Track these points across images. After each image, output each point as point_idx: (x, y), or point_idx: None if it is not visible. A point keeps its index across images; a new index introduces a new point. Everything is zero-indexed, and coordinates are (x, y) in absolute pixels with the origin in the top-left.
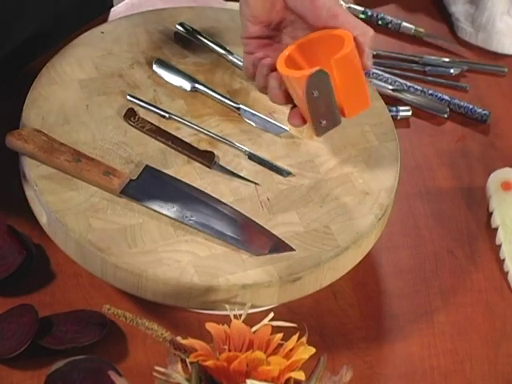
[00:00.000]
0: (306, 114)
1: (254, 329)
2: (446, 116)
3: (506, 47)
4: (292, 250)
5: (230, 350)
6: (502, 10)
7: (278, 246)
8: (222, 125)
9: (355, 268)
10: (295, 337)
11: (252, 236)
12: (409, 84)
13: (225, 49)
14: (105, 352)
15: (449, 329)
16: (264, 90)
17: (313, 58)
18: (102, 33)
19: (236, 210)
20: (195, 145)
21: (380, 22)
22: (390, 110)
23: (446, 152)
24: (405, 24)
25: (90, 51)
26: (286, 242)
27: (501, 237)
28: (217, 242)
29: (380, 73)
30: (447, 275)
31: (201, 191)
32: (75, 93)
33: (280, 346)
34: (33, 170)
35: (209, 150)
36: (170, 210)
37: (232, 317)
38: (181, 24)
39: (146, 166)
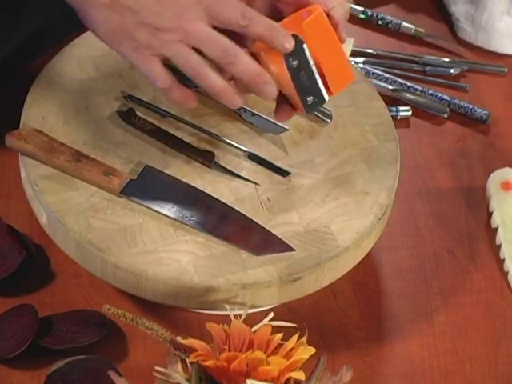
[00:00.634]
0: (290, 93)
1: (254, 329)
2: (446, 116)
3: (505, 47)
4: (292, 250)
5: (230, 350)
6: (501, 9)
7: (278, 245)
8: (221, 125)
9: (355, 268)
10: (295, 337)
11: (252, 236)
12: (409, 84)
13: None
14: (105, 352)
15: (449, 329)
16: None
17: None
18: None
19: (236, 210)
20: (195, 145)
21: (380, 22)
22: (390, 110)
23: (446, 152)
24: (405, 24)
25: (90, 51)
26: (286, 241)
27: (501, 237)
28: (217, 242)
29: (380, 73)
30: (447, 275)
31: (201, 191)
32: (75, 93)
33: (280, 346)
34: (33, 170)
35: (209, 149)
36: (170, 210)
37: (232, 317)
38: None
39: (146, 166)
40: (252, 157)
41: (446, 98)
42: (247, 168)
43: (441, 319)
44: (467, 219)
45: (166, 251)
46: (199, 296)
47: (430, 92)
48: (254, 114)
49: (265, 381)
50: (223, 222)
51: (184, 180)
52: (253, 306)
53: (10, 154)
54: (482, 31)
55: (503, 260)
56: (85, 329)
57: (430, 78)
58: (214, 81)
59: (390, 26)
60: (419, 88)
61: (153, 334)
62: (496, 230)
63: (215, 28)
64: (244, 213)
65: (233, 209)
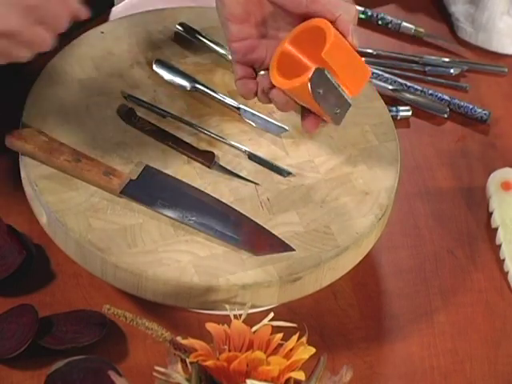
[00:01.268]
0: (318, 111)
1: (254, 329)
2: (446, 116)
3: (506, 47)
4: (292, 250)
5: (230, 350)
6: (502, 9)
7: (278, 245)
8: (222, 125)
9: (355, 268)
10: (295, 337)
11: (252, 236)
12: (409, 84)
13: (225, 49)
14: (105, 352)
15: (449, 329)
16: (270, 103)
17: (305, 47)
18: (102, 33)
19: (236, 210)
20: (195, 145)
21: (380, 22)
22: (390, 110)
23: (446, 152)
24: (405, 24)
25: (90, 51)
26: (286, 241)
27: (501, 237)
28: (217, 242)
29: (380, 73)
30: (447, 275)
31: (201, 191)
32: (75, 93)
33: (280, 346)
34: (33, 170)
35: (209, 149)
36: (169, 210)
37: (232, 317)
38: (181, 24)
39: (146, 166)
40: (252, 157)
41: (446, 98)
42: (247, 168)
43: (441, 319)
44: (467, 219)
45: (166, 251)
46: (199, 296)
47: (430, 92)
48: (254, 114)
49: (265, 381)
50: (223, 222)
51: (184, 180)
52: (253, 306)
53: (10, 154)
54: (482, 31)
55: (503, 260)
56: (85, 329)
57: (430, 78)
58: None
59: (390, 26)
60: (419, 88)
61: (153, 334)
62: (496, 230)
63: None
64: (244, 213)
65: (233, 209)
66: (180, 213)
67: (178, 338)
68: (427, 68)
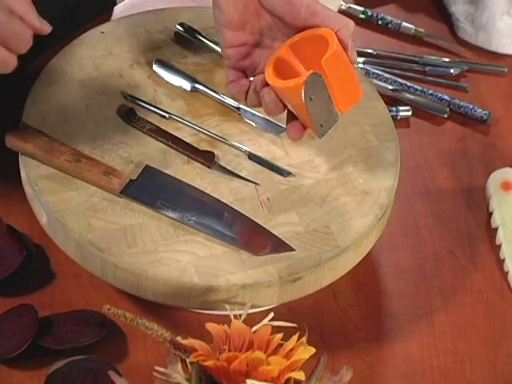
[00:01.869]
0: (305, 119)
1: (254, 329)
2: (446, 116)
3: (506, 47)
4: (292, 250)
5: (230, 350)
6: (502, 9)
7: (278, 245)
8: (222, 125)
9: (355, 268)
10: (295, 337)
11: (252, 236)
12: (409, 84)
13: None
14: (105, 352)
15: (449, 329)
16: (258, 105)
17: (303, 56)
18: (102, 33)
19: (236, 210)
20: (195, 145)
21: (380, 22)
22: (390, 110)
23: (446, 152)
24: (405, 24)
25: (90, 51)
26: (286, 242)
27: (501, 237)
28: (217, 242)
29: (380, 73)
30: (447, 275)
31: (201, 191)
32: (75, 93)
33: (280, 346)
34: (33, 170)
35: (209, 149)
36: (170, 210)
37: (232, 317)
38: (181, 24)
39: (146, 166)
40: (252, 157)
41: (446, 98)
42: (247, 168)
43: (441, 319)
44: (467, 219)
45: (166, 251)
46: (199, 296)
47: (430, 92)
48: (254, 114)
49: (265, 381)
50: (223, 222)
51: (184, 180)
52: (253, 306)
53: (10, 154)
54: (482, 31)
55: (503, 260)
56: (85, 329)
57: (430, 78)
58: None
59: (390, 26)
60: (419, 88)
61: (153, 334)
62: (496, 230)
63: None
64: (244, 213)
65: (233, 209)
66: (180, 213)
67: (178, 338)
68: (427, 68)
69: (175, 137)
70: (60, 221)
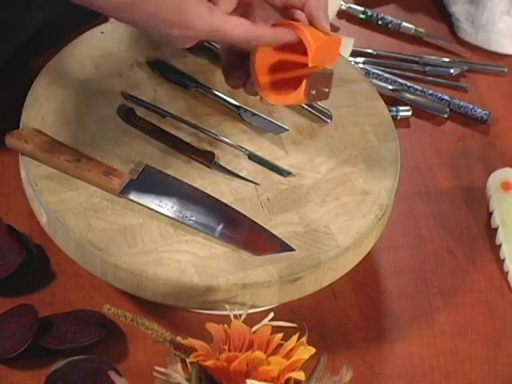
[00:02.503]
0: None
1: (254, 329)
2: (446, 116)
3: (505, 47)
4: (292, 249)
5: (230, 350)
6: (501, 9)
7: (278, 246)
8: (222, 125)
9: (355, 268)
10: (295, 337)
11: (252, 236)
12: (409, 84)
13: None
14: (105, 352)
15: (449, 329)
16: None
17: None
18: (102, 33)
19: (236, 210)
20: (195, 145)
21: (380, 22)
22: (390, 110)
23: (446, 152)
24: (405, 24)
25: (90, 51)
26: (286, 241)
27: (501, 237)
28: (217, 242)
29: (380, 73)
30: (447, 275)
31: (201, 191)
32: (75, 93)
33: (280, 346)
34: (33, 170)
35: (209, 149)
36: (170, 210)
37: (232, 317)
38: None
39: (146, 166)
40: (252, 157)
41: (446, 98)
42: (247, 168)
43: (441, 319)
44: (467, 219)
45: (166, 251)
46: (199, 296)
47: (430, 92)
48: (254, 114)
49: (265, 381)
50: (223, 222)
51: (184, 180)
52: (253, 306)
53: (10, 154)
54: (482, 31)
55: (503, 260)
56: (85, 329)
57: (430, 78)
58: None
59: (390, 26)
60: (419, 88)
61: (153, 334)
62: (496, 230)
63: None
64: (244, 213)
65: (233, 209)
66: (180, 213)
67: (178, 338)
68: (427, 68)
69: (175, 137)
70: (60, 221)
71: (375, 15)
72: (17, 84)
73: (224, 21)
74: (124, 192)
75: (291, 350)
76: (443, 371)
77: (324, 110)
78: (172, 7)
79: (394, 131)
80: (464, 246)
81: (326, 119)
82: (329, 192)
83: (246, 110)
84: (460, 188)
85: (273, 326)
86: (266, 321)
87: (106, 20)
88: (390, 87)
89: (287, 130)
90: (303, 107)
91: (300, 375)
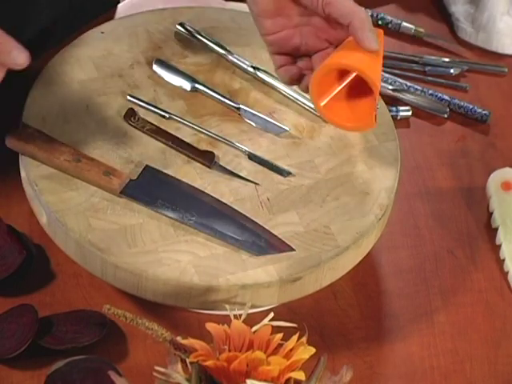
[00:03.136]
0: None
1: (254, 329)
2: (446, 116)
3: (506, 47)
4: (292, 250)
5: (230, 350)
6: (502, 10)
7: (278, 246)
8: (222, 125)
9: (355, 268)
10: (295, 337)
11: (252, 236)
12: (409, 84)
13: (225, 49)
14: (105, 352)
15: (449, 329)
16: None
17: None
18: (102, 33)
19: (236, 210)
20: (195, 145)
21: (380, 22)
22: (390, 110)
23: (446, 152)
24: (405, 24)
25: (90, 51)
26: (286, 241)
27: (501, 237)
28: (217, 242)
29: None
30: (447, 275)
31: (201, 191)
32: (75, 93)
33: (280, 346)
34: (33, 170)
35: (209, 150)
36: (169, 210)
37: (232, 317)
38: (181, 24)
39: (146, 166)
40: (252, 157)
41: (446, 98)
42: (247, 168)
43: (441, 319)
44: (467, 219)
45: (166, 251)
46: (199, 296)
47: (430, 92)
48: (254, 114)
49: (265, 381)
50: (223, 221)
51: (184, 180)
52: (253, 306)
53: (10, 154)
54: (482, 31)
55: (503, 260)
56: (85, 329)
57: (430, 78)
58: None
59: (389, 26)
60: (419, 88)
61: (153, 334)
62: (496, 230)
63: None
64: (244, 213)
65: (233, 209)
66: (180, 213)
67: (178, 338)
68: (427, 68)
69: (175, 137)
70: (60, 221)
71: (375, 15)
72: (17, 84)
73: None
74: (124, 192)
75: (291, 350)
76: (443, 371)
77: None
78: None
79: (394, 131)
80: (464, 246)
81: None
82: (329, 192)
83: (246, 110)
84: (460, 188)
85: (273, 326)
86: (265, 321)
87: (106, 20)
88: (390, 87)
89: (287, 130)
90: (303, 107)
91: (300, 375)
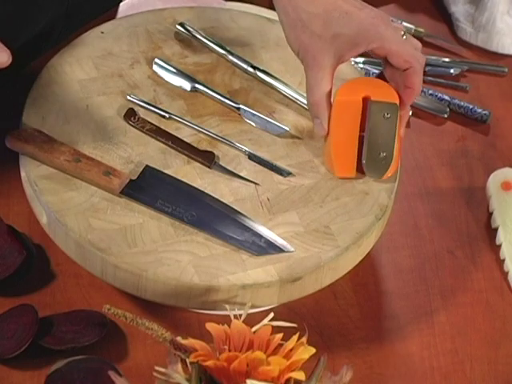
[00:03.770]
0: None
1: (254, 329)
2: (446, 116)
3: (506, 47)
4: (292, 250)
5: (230, 350)
6: (502, 10)
7: (278, 246)
8: (222, 125)
9: (355, 268)
10: (295, 337)
11: (252, 236)
12: None
13: (225, 49)
14: (105, 352)
15: (449, 329)
16: None
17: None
18: (102, 33)
19: (236, 210)
20: (195, 145)
21: None
22: None
23: (446, 152)
24: (405, 24)
25: (90, 51)
26: (286, 242)
27: (501, 237)
28: (217, 242)
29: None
30: (447, 275)
31: (201, 191)
32: (75, 93)
33: (280, 346)
34: (33, 170)
35: (209, 150)
36: (169, 210)
37: (232, 317)
38: (181, 24)
39: (146, 166)
40: (252, 157)
41: (446, 98)
42: (247, 168)
43: (441, 319)
44: (467, 219)
45: (166, 251)
46: (199, 296)
47: (430, 92)
48: (254, 114)
49: (265, 381)
50: (223, 222)
51: (184, 180)
52: (253, 306)
53: (10, 154)
54: (482, 31)
55: (503, 260)
56: (85, 329)
57: (430, 78)
58: None
59: None
60: None
61: (153, 334)
62: (496, 230)
63: None
64: (244, 213)
65: (233, 209)
66: (180, 213)
67: (178, 338)
68: (427, 68)
69: (175, 137)
70: (60, 221)
71: None
72: (17, 84)
73: None
74: (124, 192)
75: (291, 350)
76: (443, 371)
77: None
78: None
79: None
80: (464, 246)
81: None
82: (329, 192)
83: (246, 110)
84: (460, 188)
85: (273, 326)
86: (266, 321)
87: (106, 20)
88: None
89: (287, 130)
90: (303, 107)
91: (300, 375)
